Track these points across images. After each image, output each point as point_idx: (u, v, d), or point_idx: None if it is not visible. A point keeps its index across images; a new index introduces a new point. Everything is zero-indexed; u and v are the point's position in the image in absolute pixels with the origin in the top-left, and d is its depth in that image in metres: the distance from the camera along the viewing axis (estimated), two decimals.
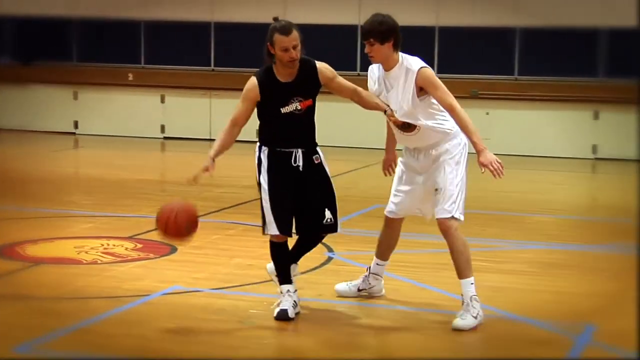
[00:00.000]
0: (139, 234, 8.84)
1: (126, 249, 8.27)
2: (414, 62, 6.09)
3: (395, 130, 6.26)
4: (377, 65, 6.20)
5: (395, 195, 6.40)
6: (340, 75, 6.23)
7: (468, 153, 6.22)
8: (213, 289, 7.04)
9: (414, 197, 6.32)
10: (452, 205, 6.10)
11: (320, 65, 6.17)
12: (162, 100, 17.38)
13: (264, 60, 6.20)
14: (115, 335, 5.96)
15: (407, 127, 6.15)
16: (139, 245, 8.39)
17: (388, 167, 6.60)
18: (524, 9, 15.51)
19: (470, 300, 6.03)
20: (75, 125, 17.79)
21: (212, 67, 17.13)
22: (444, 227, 6.13)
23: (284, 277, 6.31)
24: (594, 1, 15.33)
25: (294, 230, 6.27)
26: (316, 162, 6.22)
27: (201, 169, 6.18)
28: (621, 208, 11.07)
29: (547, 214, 10.48)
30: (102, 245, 8.35)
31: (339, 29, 16.31)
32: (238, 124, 6.23)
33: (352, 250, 6.56)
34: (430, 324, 6.23)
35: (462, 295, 6.09)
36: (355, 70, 15.59)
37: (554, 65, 15.16)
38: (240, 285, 7.15)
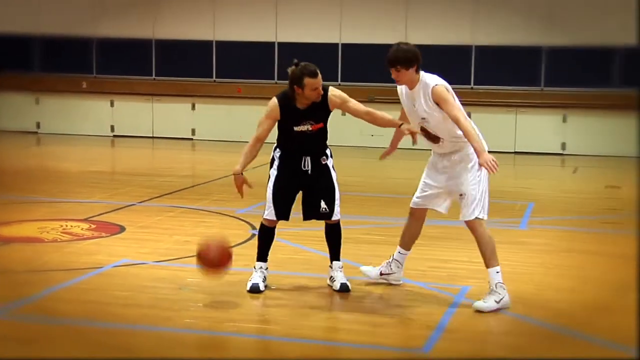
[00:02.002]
0: (92, 216, 8.75)
1: (82, 229, 8.17)
2: (430, 80, 5.88)
3: (424, 139, 6.02)
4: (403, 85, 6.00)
5: (421, 188, 6.19)
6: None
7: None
8: (156, 261, 7.00)
9: (437, 192, 6.10)
10: (475, 209, 5.87)
11: (331, 93, 6.05)
12: (112, 105, 17.16)
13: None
14: (73, 301, 5.91)
15: (434, 139, 5.96)
16: (93, 226, 8.31)
17: (385, 155, 6.36)
18: (411, 27, 15.71)
19: (496, 287, 5.77)
20: (38, 125, 17.47)
21: (154, 76, 16.96)
22: (471, 226, 5.91)
23: (261, 255, 6.28)
24: (465, 25, 15.60)
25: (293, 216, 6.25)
26: (323, 162, 6.16)
27: (237, 187, 6.07)
28: (490, 191, 11.28)
29: None
30: (62, 226, 8.24)
31: (258, 44, 16.29)
32: (260, 140, 6.12)
33: None
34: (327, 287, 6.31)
35: (489, 282, 5.82)
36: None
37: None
38: (179, 258, 7.13)
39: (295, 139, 6.09)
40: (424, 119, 5.93)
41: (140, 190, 10.61)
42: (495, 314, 5.73)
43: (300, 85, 5.93)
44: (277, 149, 6.23)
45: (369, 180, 11.74)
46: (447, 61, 15.51)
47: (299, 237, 7.56)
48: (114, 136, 17.10)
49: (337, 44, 15.92)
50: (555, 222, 9.13)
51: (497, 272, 5.84)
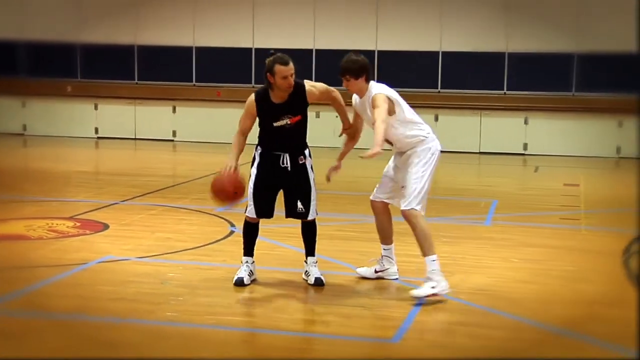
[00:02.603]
0: (77, 215, 8.70)
1: (67, 226, 8.12)
2: (375, 89, 5.94)
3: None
4: None
5: (381, 180, 6.25)
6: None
7: (436, 160, 6.00)
8: (139, 257, 6.98)
9: (391, 185, 6.16)
10: (413, 201, 5.86)
11: (309, 85, 6.05)
12: (96, 108, 17.05)
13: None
14: (60, 296, 5.88)
15: (388, 141, 6.01)
16: (78, 224, 8.26)
17: (330, 172, 6.33)
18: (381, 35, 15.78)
19: (431, 274, 5.80)
20: (24, 128, 17.33)
21: (136, 81, 16.88)
22: (406, 216, 5.91)
23: (247, 250, 6.27)
24: (433, 31, 15.68)
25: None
26: (300, 162, 6.13)
27: (231, 168, 5.94)
28: (456, 189, 11.37)
29: None
30: (48, 224, 8.19)
31: (236, 50, 16.26)
32: (243, 133, 6.13)
33: None
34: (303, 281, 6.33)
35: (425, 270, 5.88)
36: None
37: (400, 79, 15.50)
38: (161, 254, 7.11)
39: (275, 134, 6.07)
40: (374, 124, 5.98)
41: (123, 189, 10.56)
42: (461, 305, 5.77)
43: (272, 73, 5.93)
44: (258, 147, 6.21)
45: (342, 179, 11.75)
46: (416, 66, 15.64)
47: (275, 234, 7.56)
48: (98, 138, 17.00)
49: (311, 50, 15.96)
50: (518, 219, 9.21)
51: (433, 261, 5.84)
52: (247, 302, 5.91)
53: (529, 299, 6.00)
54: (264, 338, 5.20)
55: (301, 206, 6.14)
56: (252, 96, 6.11)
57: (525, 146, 15.50)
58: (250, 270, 6.24)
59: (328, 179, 6.33)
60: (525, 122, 15.46)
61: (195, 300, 5.84)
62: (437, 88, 15.58)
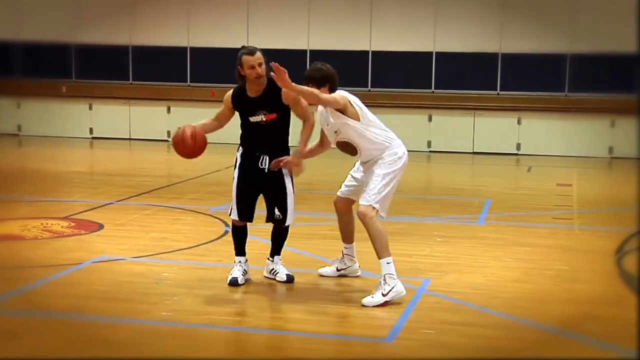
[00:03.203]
0: (72, 215, 8.68)
1: (62, 226, 8.10)
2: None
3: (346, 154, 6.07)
4: None
5: (347, 179, 6.21)
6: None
7: (403, 164, 5.89)
8: (133, 257, 6.97)
9: (357, 184, 6.09)
10: (372, 197, 5.75)
11: None
12: (90, 108, 17.02)
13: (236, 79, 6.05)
14: (55, 296, 5.87)
15: (352, 151, 5.96)
16: (73, 224, 8.24)
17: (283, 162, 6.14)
18: (375, 36, 15.77)
19: (385, 279, 5.69)
20: (19, 128, 17.29)
21: (131, 81, 16.86)
22: (361, 214, 5.76)
23: (238, 250, 6.25)
24: (426, 32, 15.68)
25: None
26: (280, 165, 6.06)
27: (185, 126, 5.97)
28: (450, 189, 11.38)
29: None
30: (42, 224, 8.17)
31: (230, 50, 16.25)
32: (218, 119, 6.18)
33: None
34: (299, 280, 6.32)
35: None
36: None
37: (394, 80, 15.50)
38: (155, 254, 7.09)
39: (253, 131, 6.04)
40: (336, 132, 5.95)
41: (118, 189, 10.54)
42: (455, 305, 5.77)
43: (241, 65, 5.93)
44: (240, 148, 6.19)
45: (336, 180, 11.74)
46: (410, 66, 15.63)
47: (269, 234, 7.52)
48: (93, 138, 16.97)
49: (305, 50, 15.95)
50: (511, 218, 9.21)
51: (388, 264, 5.75)
52: (242, 302, 5.90)
53: (524, 298, 6.00)
54: (258, 337, 5.19)
55: (278, 213, 6.11)
56: (231, 90, 6.14)
57: (518, 146, 15.52)
58: (244, 270, 6.22)
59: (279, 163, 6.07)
60: (519, 122, 15.48)
61: (190, 300, 5.83)
62: (431, 88, 15.58)
